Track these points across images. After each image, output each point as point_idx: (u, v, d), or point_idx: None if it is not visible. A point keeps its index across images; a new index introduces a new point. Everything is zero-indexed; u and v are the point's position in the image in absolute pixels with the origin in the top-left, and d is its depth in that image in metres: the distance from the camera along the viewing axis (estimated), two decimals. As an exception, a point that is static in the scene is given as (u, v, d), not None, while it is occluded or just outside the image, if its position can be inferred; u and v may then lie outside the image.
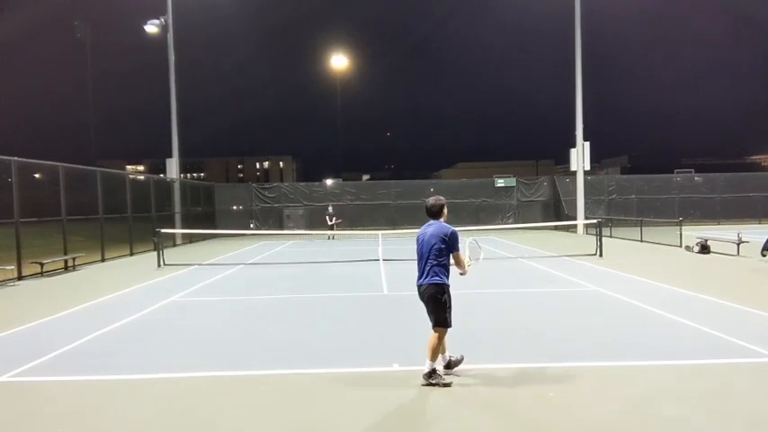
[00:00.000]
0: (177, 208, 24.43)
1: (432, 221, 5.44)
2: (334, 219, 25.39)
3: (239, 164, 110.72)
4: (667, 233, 19.07)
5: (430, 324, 5.27)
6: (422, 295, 5.34)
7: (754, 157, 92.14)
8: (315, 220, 29.25)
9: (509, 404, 4.70)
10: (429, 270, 5.25)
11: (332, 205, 27.91)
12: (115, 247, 18.12)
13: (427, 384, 5.09)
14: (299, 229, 29.12)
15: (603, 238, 16.21)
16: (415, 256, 5.46)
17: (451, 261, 5.34)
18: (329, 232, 24.78)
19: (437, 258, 5.24)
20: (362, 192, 31.71)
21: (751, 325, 7.28)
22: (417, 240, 5.44)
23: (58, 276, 13.73)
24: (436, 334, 5.21)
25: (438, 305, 5.22)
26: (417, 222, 29.09)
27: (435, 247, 5.23)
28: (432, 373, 5.14)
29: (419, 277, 5.36)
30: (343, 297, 10.07)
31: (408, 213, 30.29)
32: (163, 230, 16.39)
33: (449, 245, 5.24)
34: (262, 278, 12.94)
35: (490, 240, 22.61)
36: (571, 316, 8.15)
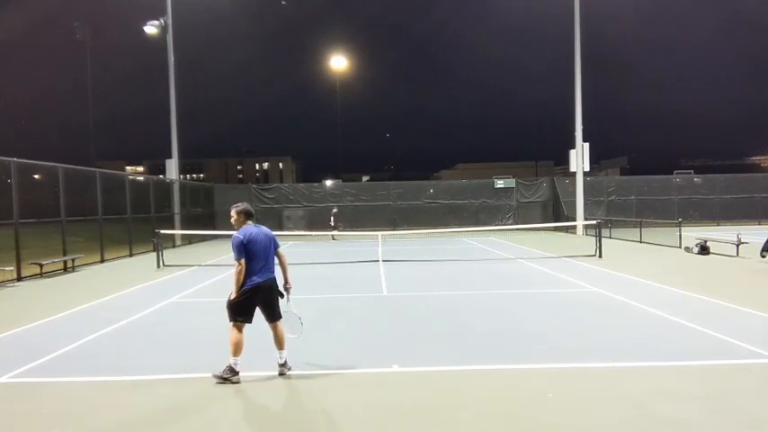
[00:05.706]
0: (177, 209, 24.41)
1: (253, 224, 5.61)
2: (337, 222, 25.42)
3: (239, 165, 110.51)
4: (667, 234, 19.07)
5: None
6: (267, 289, 5.49)
7: (754, 158, 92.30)
8: (314, 221, 29.24)
9: (509, 404, 4.70)
10: (272, 265, 5.58)
11: (337, 207, 27.93)
12: (115, 248, 18.10)
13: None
14: (298, 230, 29.11)
15: (603, 239, 16.23)
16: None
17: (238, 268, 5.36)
18: (332, 233, 24.79)
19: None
20: (362, 193, 31.69)
21: (750, 326, 7.29)
22: (252, 239, 5.44)
23: (58, 277, 13.72)
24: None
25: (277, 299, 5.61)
26: (418, 223, 29.43)
27: (274, 244, 5.67)
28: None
29: (270, 270, 5.54)
30: (342, 298, 10.06)
31: (408, 214, 30.33)
32: (162, 231, 16.39)
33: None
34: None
35: (490, 241, 22.62)
36: (571, 317, 8.15)
